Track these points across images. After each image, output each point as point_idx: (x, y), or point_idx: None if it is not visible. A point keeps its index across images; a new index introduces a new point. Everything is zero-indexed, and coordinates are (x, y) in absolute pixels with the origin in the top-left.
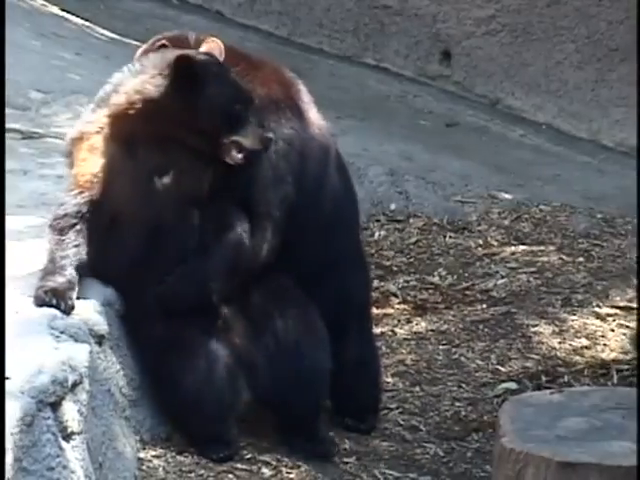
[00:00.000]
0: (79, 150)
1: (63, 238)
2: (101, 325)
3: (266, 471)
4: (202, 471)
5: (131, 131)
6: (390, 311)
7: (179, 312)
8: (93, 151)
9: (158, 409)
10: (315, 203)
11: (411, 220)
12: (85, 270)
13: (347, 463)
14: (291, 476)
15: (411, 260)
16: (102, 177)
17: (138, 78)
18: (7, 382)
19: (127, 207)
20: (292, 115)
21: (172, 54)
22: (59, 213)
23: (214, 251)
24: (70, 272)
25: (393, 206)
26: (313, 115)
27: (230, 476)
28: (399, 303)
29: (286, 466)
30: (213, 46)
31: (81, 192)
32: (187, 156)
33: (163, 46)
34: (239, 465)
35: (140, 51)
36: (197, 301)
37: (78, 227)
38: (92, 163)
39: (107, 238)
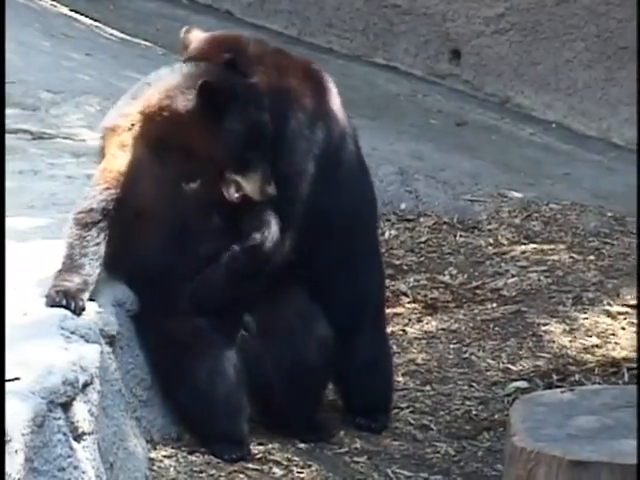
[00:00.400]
0: (110, 144)
1: (85, 234)
2: (112, 325)
3: (277, 471)
4: (213, 471)
5: (159, 135)
6: (401, 310)
7: (209, 310)
8: (123, 148)
9: (170, 409)
10: (335, 204)
11: (421, 219)
12: (103, 267)
13: (358, 462)
14: (302, 476)
15: (421, 259)
16: (129, 176)
17: (175, 82)
18: (17, 383)
19: (152, 207)
20: (326, 119)
21: (208, 73)
22: (84, 207)
23: (244, 251)
24: (87, 271)
25: (403, 205)
26: (342, 117)
27: (241, 476)
28: (410, 302)
29: (297, 466)
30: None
31: (108, 188)
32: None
33: (229, 59)
34: (250, 465)
35: (195, 44)
36: (228, 299)
37: (101, 224)
38: (120, 160)
39: (129, 235)
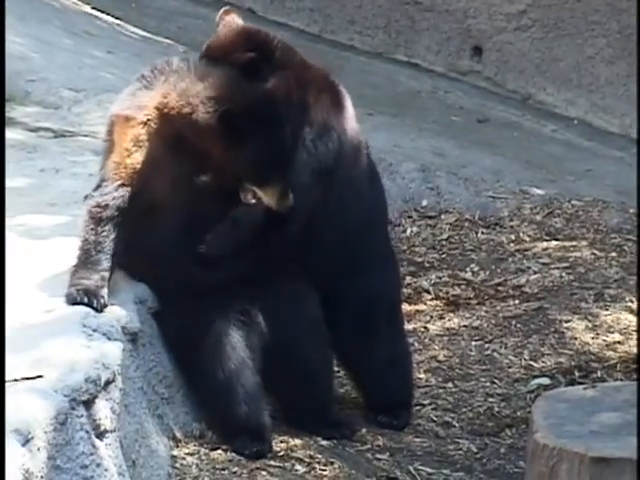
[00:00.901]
0: (124, 137)
1: (101, 230)
2: (134, 323)
3: (299, 468)
4: (235, 468)
5: (176, 135)
6: (422, 307)
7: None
8: (137, 143)
9: (192, 406)
10: (344, 205)
11: (443, 216)
12: (119, 260)
13: (380, 459)
14: (325, 473)
15: (443, 256)
16: (144, 173)
17: (197, 87)
18: (40, 380)
19: (166, 203)
20: (334, 133)
21: (227, 84)
22: (100, 202)
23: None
24: (103, 267)
25: (425, 202)
26: (351, 129)
27: (263, 473)
28: (431, 299)
29: (319, 463)
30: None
31: (123, 185)
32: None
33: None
34: (272, 462)
35: (224, 32)
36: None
37: (116, 221)
38: (135, 157)
39: (143, 227)
